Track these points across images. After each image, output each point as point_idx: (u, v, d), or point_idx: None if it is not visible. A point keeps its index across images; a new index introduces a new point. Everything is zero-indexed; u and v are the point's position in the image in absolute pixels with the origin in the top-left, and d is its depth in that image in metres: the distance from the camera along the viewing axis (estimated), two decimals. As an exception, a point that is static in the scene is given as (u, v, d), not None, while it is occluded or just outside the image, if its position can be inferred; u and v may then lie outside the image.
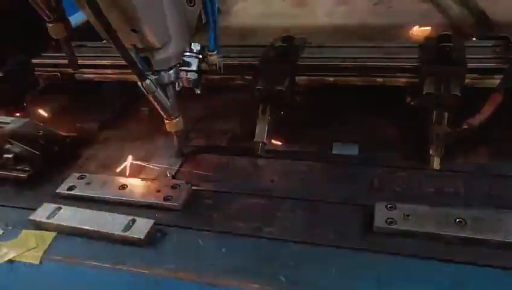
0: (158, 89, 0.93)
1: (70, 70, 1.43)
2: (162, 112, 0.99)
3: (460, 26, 1.61)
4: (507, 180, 0.93)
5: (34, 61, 1.46)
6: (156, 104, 0.96)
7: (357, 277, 0.75)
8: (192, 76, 1.07)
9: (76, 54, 1.44)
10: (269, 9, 2.10)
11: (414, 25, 1.76)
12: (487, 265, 0.74)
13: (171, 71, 0.97)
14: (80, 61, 1.42)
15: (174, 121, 1.02)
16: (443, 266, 0.75)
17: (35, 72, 1.46)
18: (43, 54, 1.48)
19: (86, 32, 1.78)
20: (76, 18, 1.84)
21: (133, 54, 0.87)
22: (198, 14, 0.97)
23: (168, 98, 0.97)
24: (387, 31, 1.74)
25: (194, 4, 0.93)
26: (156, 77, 0.94)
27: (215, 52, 1.05)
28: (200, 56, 1.07)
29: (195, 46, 1.06)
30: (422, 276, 0.74)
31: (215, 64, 1.07)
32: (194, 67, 1.07)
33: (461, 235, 0.79)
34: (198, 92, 1.10)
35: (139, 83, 0.91)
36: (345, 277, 0.75)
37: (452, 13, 1.74)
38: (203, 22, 1.00)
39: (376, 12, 1.91)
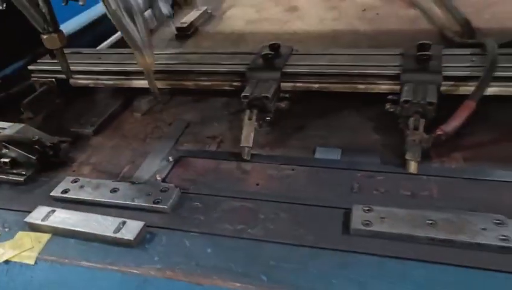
0: (125, 16, 0.89)
1: (65, 76, 1.48)
2: (131, 46, 0.96)
3: (445, 33, 1.66)
4: (478, 183, 0.98)
5: (30, 67, 1.51)
6: (124, 35, 0.93)
7: (334, 277, 0.80)
8: (167, 10, 1.07)
9: (72, 61, 1.50)
10: (262, 15, 2.15)
11: (401, 31, 1.81)
12: (455, 264, 0.79)
13: None
14: (75, 68, 1.48)
15: (146, 57, 0.99)
16: (415, 266, 0.80)
17: (32, 78, 1.51)
18: (38, 61, 1.52)
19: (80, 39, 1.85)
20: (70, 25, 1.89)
21: None
22: None
23: (138, 30, 0.94)
24: (375, 37, 1.79)
25: None
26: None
27: None
28: None
29: None
30: (395, 275, 0.79)
31: None
32: None
33: (431, 236, 0.83)
34: (173, 28, 1.05)
35: (106, 9, 0.87)
36: (323, 277, 0.80)
37: (437, 20, 1.80)
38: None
39: (365, 18, 1.97)
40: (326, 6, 2.12)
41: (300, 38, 1.86)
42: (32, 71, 1.51)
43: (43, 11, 1.08)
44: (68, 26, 1.90)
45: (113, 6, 0.88)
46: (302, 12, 2.13)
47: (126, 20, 0.90)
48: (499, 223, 0.84)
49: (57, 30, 1.13)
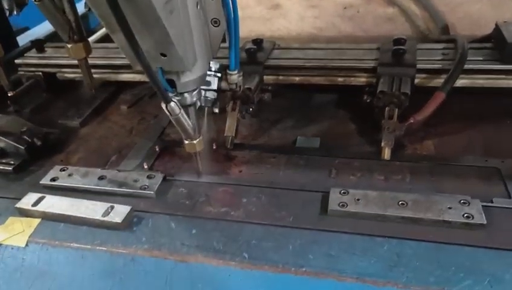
0: (182, 111, 0.89)
1: (52, 70, 1.51)
2: (182, 133, 0.97)
3: (421, 30, 1.73)
4: (446, 167, 1.05)
5: (17, 61, 1.53)
6: (177, 126, 0.93)
7: (309, 252, 0.85)
8: (211, 95, 1.06)
9: (59, 55, 1.54)
10: (245, 13, 2.20)
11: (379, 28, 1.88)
12: (422, 240, 0.85)
13: (194, 92, 0.94)
14: (62, 62, 1.51)
15: (195, 142, 0.99)
16: (385, 242, 0.86)
17: (19, 72, 1.54)
18: (25, 55, 1.55)
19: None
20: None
21: (159, 77, 0.85)
22: (222, 34, 0.94)
23: (190, 119, 0.95)
24: (355, 34, 1.86)
25: (219, 25, 0.92)
26: (179, 98, 0.90)
27: (235, 72, 1.05)
28: (219, 75, 1.05)
29: (214, 65, 1.04)
30: (367, 250, 0.84)
31: (235, 83, 1.06)
32: (213, 86, 1.05)
33: (402, 215, 0.89)
34: (216, 110, 1.10)
35: (163, 106, 0.87)
36: (299, 253, 0.85)
37: (415, 17, 1.87)
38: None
39: (345, 16, 2.03)
40: (307, 4, 2.17)
41: (282, 35, 1.92)
42: (20, 65, 1.54)
43: (70, 18, 1.05)
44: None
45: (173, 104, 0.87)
46: (285, 10, 2.18)
47: (182, 113, 0.89)
48: (464, 203, 0.90)
49: (83, 39, 1.09)
